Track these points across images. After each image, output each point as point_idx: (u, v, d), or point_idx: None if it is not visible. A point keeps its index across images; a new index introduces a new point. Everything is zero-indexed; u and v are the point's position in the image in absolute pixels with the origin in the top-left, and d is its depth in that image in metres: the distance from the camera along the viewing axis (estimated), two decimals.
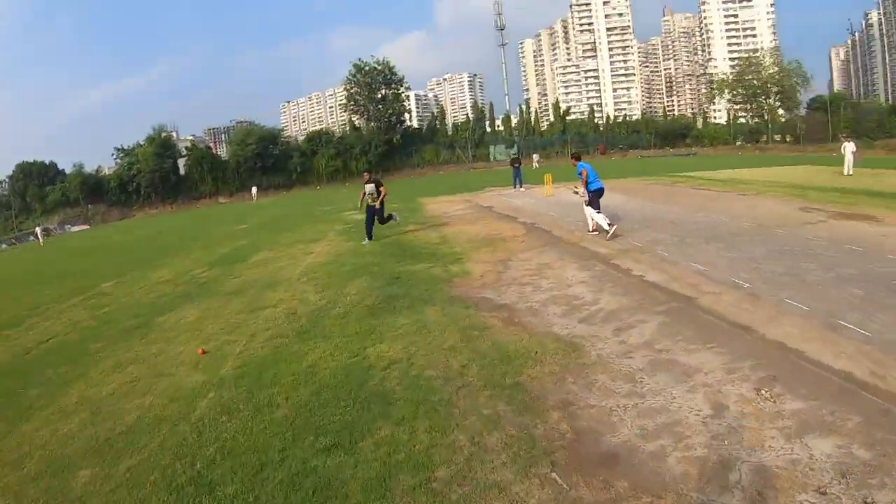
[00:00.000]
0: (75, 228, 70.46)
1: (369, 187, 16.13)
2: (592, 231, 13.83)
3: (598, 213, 13.61)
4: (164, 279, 14.75)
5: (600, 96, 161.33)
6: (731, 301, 7.72)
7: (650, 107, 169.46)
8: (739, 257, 10.29)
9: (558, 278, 10.06)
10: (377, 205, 16.14)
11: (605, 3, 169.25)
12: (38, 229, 54.92)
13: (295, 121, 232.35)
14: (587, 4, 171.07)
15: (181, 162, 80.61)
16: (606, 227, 13.17)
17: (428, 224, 19.27)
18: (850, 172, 26.10)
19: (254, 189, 70.07)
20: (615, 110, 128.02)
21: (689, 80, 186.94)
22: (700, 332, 6.64)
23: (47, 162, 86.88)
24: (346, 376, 6.28)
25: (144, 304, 11.81)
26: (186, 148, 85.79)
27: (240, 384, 6.38)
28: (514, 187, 30.28)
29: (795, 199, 17.95)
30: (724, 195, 20.58)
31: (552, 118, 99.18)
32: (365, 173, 17.60)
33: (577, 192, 15.02)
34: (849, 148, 26.90)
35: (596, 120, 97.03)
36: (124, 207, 77.82)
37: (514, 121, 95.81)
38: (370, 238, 16.00)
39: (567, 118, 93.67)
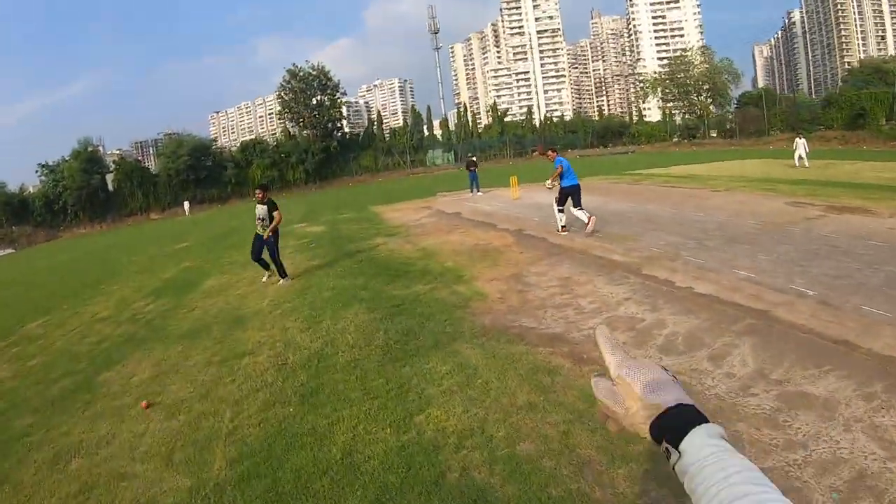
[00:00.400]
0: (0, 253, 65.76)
1: (260, 210, 12.06)
2: (591, 231, 13.16)
3: (561, 211, 13.74)
4: (102, 315, 12.36)
5: (532, 98, 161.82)
6: (808, 312, 6.84)
7: (580, 107, 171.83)
8: (777, 259, 9.53)
9: (596, 296, 8.48)
10: (268, 235, 11.96)
11: (535, 7, 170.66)
12: None
13: (225, 131, 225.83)
14: (517, 8, 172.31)
15: (109, 177, 76.55)
16: (585, 220, 13.20)
17: (396, 235, 17.31)
18: (808, 165, 28.32)
19: (186, 203, 66.74)
20: (546, 111, 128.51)
21: (619, 80, 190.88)
22: (804, 353, 5.72)
23: None
24: (408, 469, 4.34)
25: (81, 355, 9.39)
26: (114, 162, 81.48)
27: (249, 496, 4.32)
28: (472, 191, 28.71)
29: (772, 193, 17.98)
30: (698, 192, 20.10)
31: (488, 121, 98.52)
32: (258, 191, 12.53)
33: (550, 187, 14.60)
34: (801, 144, 29.32)
35: (533, 121, 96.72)
36: (51, 228, 73.15)
37: (451, 124, 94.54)
38: (283, 275, 12.18)
39: (504, 120, 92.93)
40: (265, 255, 12.36)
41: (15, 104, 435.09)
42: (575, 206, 13.50)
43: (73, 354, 9.55)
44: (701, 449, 0.83)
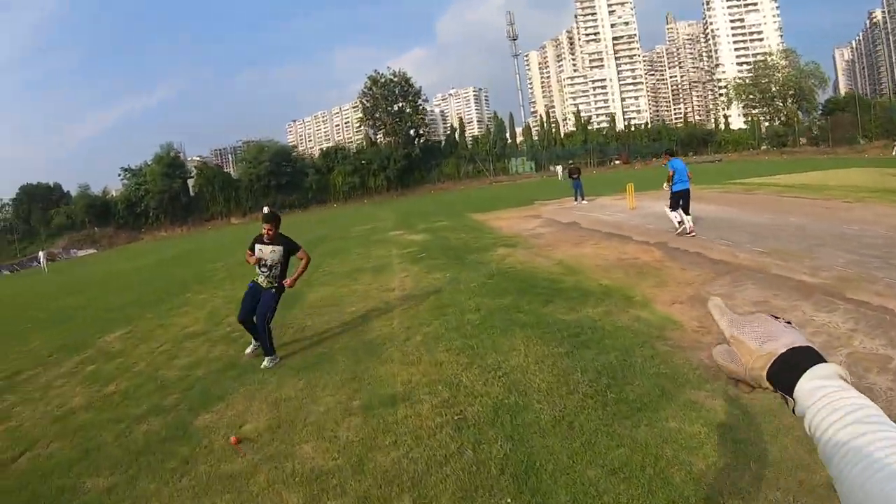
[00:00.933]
0: (81, 253, 67.31)
1: (267, 252, 7.80)
2: (680, 232, 13.80)
3: (674, 211, 14.15)
4: (192, 330, 10.76)
5: (609, 106, 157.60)
6: None
7: (658, 115, 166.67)
8: None
9: (814, 325, 6.59)
10: (291, 283, 7.96)
11: (610, 13, 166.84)
12: (41, 254, 51.45)
13: (301, 139, 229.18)
14: (592, 14, 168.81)
15: (191, 182, 77.72)
16: (676, 225, 14.00)
17: (517, 246, 15.34)
18: None
19: (265, 209, 65.90)
20: (624, 119, 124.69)
21: (696, 86, 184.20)
22: None
23: (52, 184, 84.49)
24: None
25: (170, 384, 7.63)
26: (196, 167, 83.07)
27: None
28: (576, 200, 26.82)
29: None
30: (829, 203, 17.91)
31: (571, 128, 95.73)
32: (265, 225, 7.83)
33: (666, 189, 14.80)
34: None
35: (616, 129, 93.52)
36: (132, 230, 74.84)
37: (534, 132, 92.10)
38: (270, 350, 7.65)
39: (587, 128, 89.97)
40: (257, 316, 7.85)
41: (97, 112, 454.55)
42: (676, 208, 14.07)
43: (161, 383, 7.79)
44: (812, 393, 0.82)
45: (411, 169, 76.42)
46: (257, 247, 7.82)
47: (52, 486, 5.12)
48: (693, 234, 13.43)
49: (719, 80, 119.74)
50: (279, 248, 7.79)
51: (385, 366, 6.92)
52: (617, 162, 78.69)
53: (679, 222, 13.91)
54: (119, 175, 79.78)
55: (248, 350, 8.28)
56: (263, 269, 7.76)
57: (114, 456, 5.52)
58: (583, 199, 26.64)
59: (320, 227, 35.70)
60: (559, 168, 62.70)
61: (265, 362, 7.54)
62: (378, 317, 9.51)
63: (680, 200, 13.93)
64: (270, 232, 7.74)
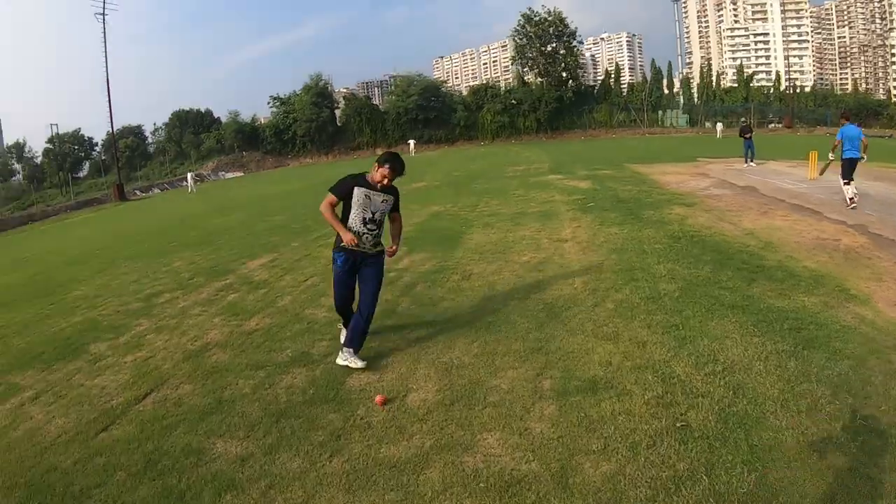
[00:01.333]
0: (229, 175, 70.32)
1: (377, 200, 5.51)
2: (850, 205, 12.87)
3: (847, 183, 13.19)
4: None
5: (770, 63, 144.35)
6: None
7: (822, 78, 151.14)
8: None
9: None
10: (389, 250, 5.79)
11: None
12: (189, 175, 53.88)
13: (448, 76, 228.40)
14: None
15: (338, 112, 78.94)
16: (848, 200, 13.03)
17: (694, 206, 13.62)
18: None
19: (411, 142, 66.31)
20: (786, 80, 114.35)
21: (866, 51, 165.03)
22: None
23: (203, 110, 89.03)
24: None
25: (317, 326, 6.88)
26: (344, 97, 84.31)
27: None
28: (746, 162, 24.14)
29: None
30: None
31: (730, 83, 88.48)
32: (384, 165, 5.42)
33: (831, 160, 14.32)
34: None
35: (781, 89, 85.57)
36: (279, 156, 77.22)
37: (692, 85, 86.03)
38: (353, 347, 5.56)
39: (750, 85, 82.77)
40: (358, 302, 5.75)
41: (248, 45, 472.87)
42: (848, 178, 13.18)
43: (308, 325, 7.03)
44: None
45: (562, 112, 73.40)
46: (362, 193, 5.40)
47: (177, 443, 4.44)
48: (854, 206, 12.75)
49: (893, 46, 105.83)
50: (391, 199, 5.60)
51: (575, 337, 5.81)
52: (778, 125, 72.04)
53: (850, 198, 12.97)
54: (268, 103, 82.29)
55: (350, 359, 5.58)
56: (371, 227, 5.48)
57: (251, 414, 4.80)
58: (752, 162, 24.07)
59: (472, 163, 34.69)
60: (719, 125, 58.14)
61: (344, 356, 5.56)
62: (555, 273, 8.38)
63: (849, 168, 13.28)
64: (389, 177, 5.42)
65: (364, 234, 5.42)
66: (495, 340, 5.86)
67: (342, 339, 5.78)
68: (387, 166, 5.35)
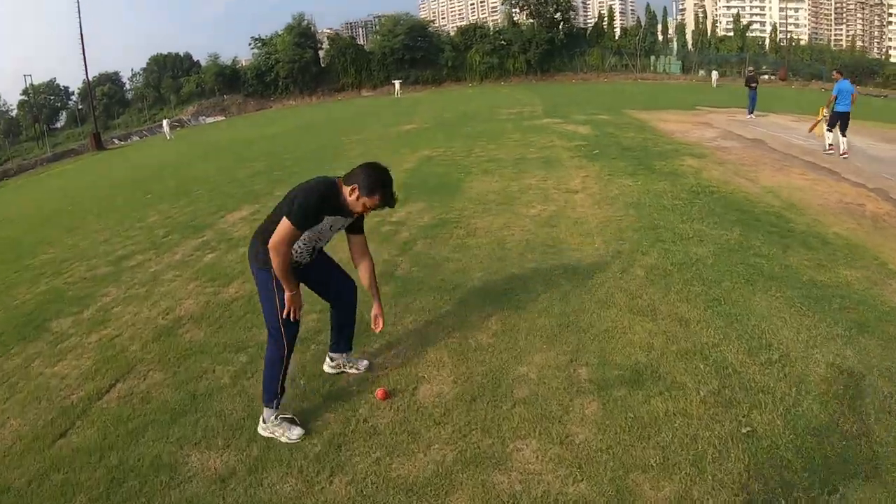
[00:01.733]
0: (210, 119, 68.17)
1: (339, 226, 3.87)
2: (843, 154, 13.27)
3: (830, 131, 13.70)
4: None
5: (764, 14, 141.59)
6: None
7: (817, 33, 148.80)
8: None
9: None
10: (374, 325, 4.08)
11: None
12: (165, 123, 51.06)
13: (434, 17, 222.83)
14: None
15: (322, 53, 76.72)
16: (827, 146, 13.67)
17: (705, 157, 12.65)
18: None
19: (396, 83, 64.40)
20: (779, 32, 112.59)
21: (862, 7, 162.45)
22: None
23: (181, 54, 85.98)
24: None
25: (307, 292, 5.88)
26: (328, 38, 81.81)
27: None
28: (749, 112, 22.92)
29: None
30: None
31: (724, 32, 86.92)
32: (374, 195, 3.52)
33: (825, 116, 14.44)
34: None
35: (778, 41, 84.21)
36: (261, 99, 75.07)
37: (688, 32, 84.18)
38: (344, 349, 4.37)
39: (746, 35, 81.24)
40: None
41: None
42: (831, 128, 13.64)
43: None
44: None
45: (552, 55, 71.43)
46: (329, 222, 3.72)
47: (146, 454, 3.65)
48: (846, 156, 13.15)
49: (891, 6, 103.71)
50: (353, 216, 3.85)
51: (607, 311, 5.02)
52: (772, 77, 70.57)
53: (830, 145, 13.70)
54: (249, 44, 79.99)
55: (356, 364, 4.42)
56: (316, 254, 3.97)
57: (231, 414, 4.00)
58: (752, 114, 22.82)
59: (462, 105, 33.38)
60: (715, 74, 56.88)
61: (344, 358, 4.38)
62: (570, 229, 7.52)
63: (838, 121, 13.57)
64: (377, 209, 3.65)
65: (305, 262, 3.87)
66: (515, 314, 5.05)
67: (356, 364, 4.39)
68: (377, 198, 3.52)
